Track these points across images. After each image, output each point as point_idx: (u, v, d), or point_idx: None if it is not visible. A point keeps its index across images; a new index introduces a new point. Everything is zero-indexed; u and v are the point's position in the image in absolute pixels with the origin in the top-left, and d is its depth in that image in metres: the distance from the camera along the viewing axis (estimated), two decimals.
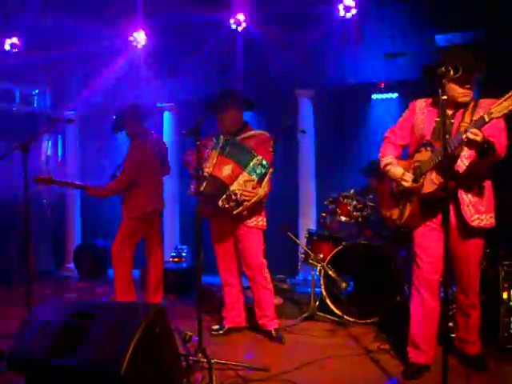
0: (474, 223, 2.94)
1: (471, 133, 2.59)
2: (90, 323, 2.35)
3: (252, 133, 3.92)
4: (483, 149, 2.66)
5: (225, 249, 3.99)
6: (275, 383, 3.03)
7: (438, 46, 5.33)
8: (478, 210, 2.95)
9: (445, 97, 2.45)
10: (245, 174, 3.62)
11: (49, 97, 7.70)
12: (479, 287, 3.16)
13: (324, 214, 4.82)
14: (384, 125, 6.57)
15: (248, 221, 3.83)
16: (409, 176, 3.04)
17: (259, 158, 3.64)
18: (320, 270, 4.52)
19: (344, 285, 4.34)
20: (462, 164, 2.89)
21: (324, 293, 4.49)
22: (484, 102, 2.94)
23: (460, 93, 2.94)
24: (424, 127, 3.08)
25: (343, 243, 4.51)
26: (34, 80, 7.31)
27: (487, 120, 2.56)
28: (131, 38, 6.72)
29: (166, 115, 7.41)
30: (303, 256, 4.72)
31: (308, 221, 6.38)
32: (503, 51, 4.69)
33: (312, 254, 4.56)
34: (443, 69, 2.45)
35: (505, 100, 2.47)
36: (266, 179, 3.70)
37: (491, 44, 4.89)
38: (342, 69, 6.12)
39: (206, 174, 3.62)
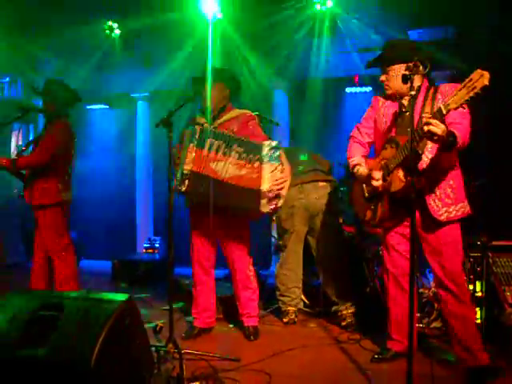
0: (442, 217, 2.86)
1: (432, 125, 2.50)
2: (59, 314, 2.33)
3: (235, 113, 3.68)
4: (447, 142, 2.58)
5: (206, 246, 3.74)
6: (246, 373, 3.05)
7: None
8: (445, 203, 2.86)
9: (413, 92, 2.46)
10: (265, 166, 3.34)
11: (20, 85, 7.57)
12: (462, 282, 2.94)
13: None
14: (357, 118, 6.70)
15: (238, 218, 3.68)
16: (377, 174, 2.99)
17: (266, 143, 3.38)
18: None
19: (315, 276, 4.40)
20: (426, 158, 2.83)
21: None
22: (443, 87, 2.89)
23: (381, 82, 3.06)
24: (387, 121, 3.07)
25: None
26: (4, 68, 7.16)
27: (445, 112, 2.48)
28: (105, 27, 6.65)
29: (140, 105, 7.36)
30: (276, 248, 4.75)
31: None
32: (473, 47, 4.79)
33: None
34: (412, 64, 2.47)
35: (459, 90, 2.38)
36: (284, 158, 3.47)
37: (461, 40, 4.99)
38: (317, 62, 6.16)
39: (186, 171, 3.36)
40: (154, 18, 5.88)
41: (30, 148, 4.18)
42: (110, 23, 6.64)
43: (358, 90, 6.68)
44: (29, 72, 7.27)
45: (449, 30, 5.11)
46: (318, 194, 4.17)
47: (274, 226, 5.30)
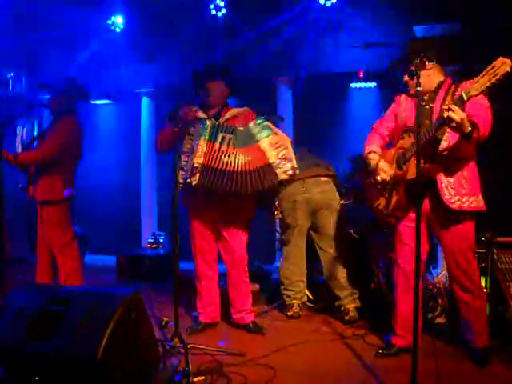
0: (454, 205, 2.90)
1: (452, 110, 2.57)
2: (66, 309, 2.35)
3: (237, 111, 3.74)
4: (467, 131, 2.63)
5: (207, 240, 3.77)
6: (251, 368, 3.06)
7: (416, 37, 5.38)
8: (458, 192, 2.91)
9: (419, 88, 2.47)
10: (262, 141, 3.46)
11: (25, 80, 7.56)
12: (477, 275, 3.08)
13: None
14: (361, 113, 6.70)
15: (239, 211, 3.71)
16: (386, 166, 3.09)
17: (251, 123, 3.53)
18: None
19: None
20: (443, 146, 2.87)
21: None
22: (464, 84, 2.93)
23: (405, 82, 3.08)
24: (406, 114, 3.13)
25: None
26: (9, 63, 7.16)
27: (466, 98, 2.55)
28: (109, 22, 6.64)
29: (145, 101, 7.35)
30: (280, 241, 4.74)
31: None
32: (478, 42, 4.77)
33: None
34: (418, 60, 2.49)
35: (481, 77, 2.47)
36: (272, 126, 3.59)
37: (466, 35, 4.97)
38: (321, 57, 6.14)
39: (196, 164, 3.40)
40: (159, 12, 5.87)
41: (35, 144, 4.18)
42: (114, 18, 6.63)
43: (362, 85, 6.66)
44: (33, 67, 7.27)
45: (455, 25, 5.09)
46: (321, 188, 4.18)
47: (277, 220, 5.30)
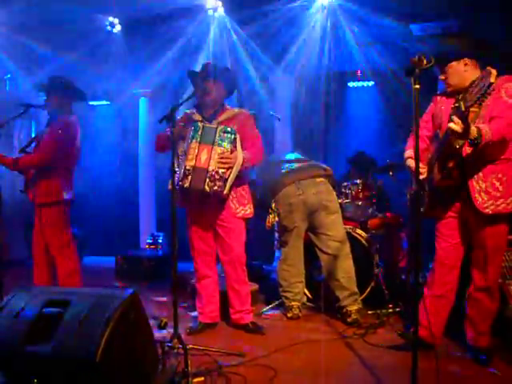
0: (487, 210, 2.86)
1: (453, 123, 2.57)
2: (64, 310, 2.34)
3: (233, 112, 3.73)
4: (471, 138, 2.62)
5: (205, 241, 3.77)
6: (250, 368, 3.06)
7: (413, 36, 5.39)
8: (492, 197, 2.85)
9: (417, 86, 2.46)
10: (215, 148, 3.44)
11: (21, 81, 7.54)
12: (498, 277, 3.07)
13: None
14: (359, 112, 6.70)
15: (235, 210, 3.70)
16: (422, 168, 3.05)
17: (220, 127, 3.49)
18: None
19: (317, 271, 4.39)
20: (468, 150, 2.82)
21: None
22: (500, 81, 2.82)
23: (441, 80, 3.03)
24: (442, 115, 3.07)
25: None
26: (5, 64, 7.14)
27: (463, 109, 2.53)
28: (107, 23, 6.63)
29: (142, 101, 7.34)
30: (279, 242, 4.74)
31: None
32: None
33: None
34: (416, 58, 2.47)
35: (474, 87, 2.47)
36: (238, 144, 3.53)
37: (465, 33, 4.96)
38: (319, 56, 6.14)
39: (188, 167, 3.43)
40: (156, 14, 5.86)
41: (33, 145, 4.17)
42: (111, 19, 6.62)
43: (360, 84, 6.67)
44: (30, 68, 7.24)
45: (452, 23, 5.09)
46: (317, 189, 4.16)
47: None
